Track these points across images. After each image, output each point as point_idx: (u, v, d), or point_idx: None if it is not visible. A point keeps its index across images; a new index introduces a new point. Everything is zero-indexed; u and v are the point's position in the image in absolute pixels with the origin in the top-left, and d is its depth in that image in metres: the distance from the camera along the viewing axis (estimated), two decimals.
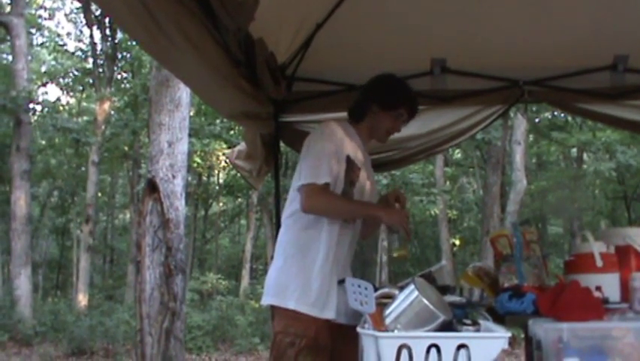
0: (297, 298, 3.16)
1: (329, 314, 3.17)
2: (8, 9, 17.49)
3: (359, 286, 2.65)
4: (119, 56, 20.69)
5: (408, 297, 2.57)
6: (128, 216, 25.42)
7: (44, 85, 24.37)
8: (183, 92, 8.67)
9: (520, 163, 16.59)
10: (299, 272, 3.20)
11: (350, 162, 3.29)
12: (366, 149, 3.51)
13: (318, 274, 3.19)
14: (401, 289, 2.71)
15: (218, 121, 18.07)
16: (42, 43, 25.06)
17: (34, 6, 22.79)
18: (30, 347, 13.47)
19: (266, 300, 3.30)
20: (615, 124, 5.08)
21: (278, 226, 3.44)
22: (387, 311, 2.58)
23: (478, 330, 2.55)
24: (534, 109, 16.69)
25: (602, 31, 4.10)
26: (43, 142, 22.31)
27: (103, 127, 18.92)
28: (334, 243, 3.25)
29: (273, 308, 3.26)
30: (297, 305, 3.15)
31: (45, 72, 24.95)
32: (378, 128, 3.45)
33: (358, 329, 2.64)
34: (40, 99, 20.67)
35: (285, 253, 3.28)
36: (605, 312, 2.78)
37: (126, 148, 20.22)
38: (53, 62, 25.05)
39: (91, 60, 21.58)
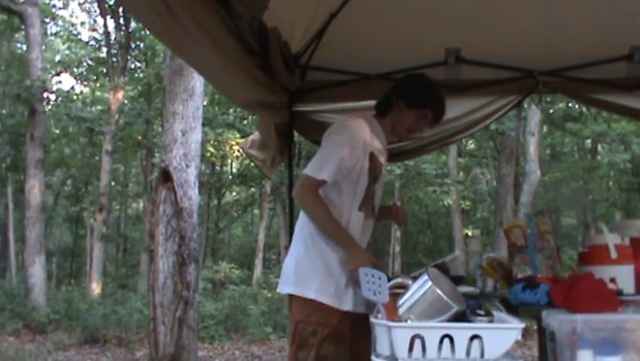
0: (317, 289, 3.18)
1: (347, 306, 3.19)
2: None
3: (373, 275, 2.65)
4: (133, 46, 20.68)
5: (421, 287, 2.57)
6: (141, 205, 25.46)
7: (58, 74, 24.36)
8: (197, 82, 8.68)
9: (533, 154, 16.51)
10: (320, 262, 3.21)
11: (374, 159, 3.31)
12: (385, 145, 3.52)
13: (339, 265, 3.20)
14: (414, 279, 2.71)
15: (231, 110, 18.06)
16: (56, 33, 25.12)
17: None
18: (44, 334, 13.53)
19: (285, 289, 3.31)
20: (631, 115, 5.05)
21: (291, 215, 3.45)
22: (401, 301, 2.59)
23: (491, 321, 2.55)
24: (548, 100, 16.59)
25: (618, 22, 4.07)
26: (57, 131, 22.36)
27: (116, 116, 18.94)
28: (357, 235, 3.28)
29: (292, 297, 3.28)
30: (317, 295, 3.17)
31: (59, 61, 24.96)
32: (399, 125, 3.44)
33: (372, 319, 2.64)
34: (55, 88, 20.68)
35: (305, 242, 3.29)
36: (620, 304, 2.77)
37: (140, 137, 20.21)
38: (67, 52, 25.10)
39: (105, 49, 21.60)
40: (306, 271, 3.23)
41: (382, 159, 3.39)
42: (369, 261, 3.10)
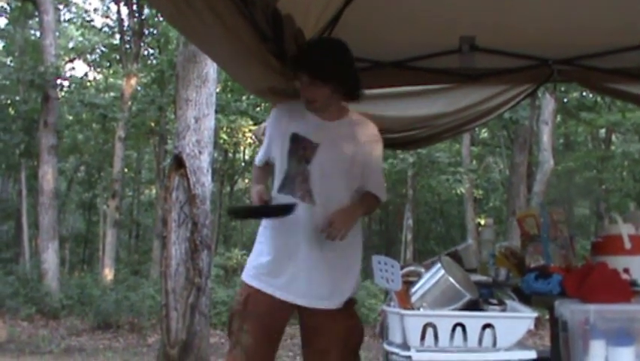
0: (244, 270, 3.38)
1: (258, 284, 3.25)
2: None
3: (385, 263, 2.64)
4: (146, 32, 20.65)
5: (434, 275, 2.56)
6: (154, 191, 25.50)
7: (72, 61, 24.43)
8: (210, 68, 8.67)
9: (547, 143, 16.44)
10: (256, 245, 3.41)
11: (298, 139, 3.25)
12: (332, 124, 3.36)
13: (262, 247, 3.34)
14: (427, 267, 2.70)
15: (244, 97, 18.05)
16: (69, 19, 25.13)
17: None
18: (57, 320, 13.61)
19: None
20: None
21: None
22: (414, 289, 2.58)
23: (504, 310, 2.54)
24: (562, 89, 16.49)
25: (635, 10, 4.03)
26: (71, 117, 22.40)
27: (129, 103, 18.95)
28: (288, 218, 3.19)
29: None
30: (242, 275, 3.39)
31: (72, 48, 25.02)
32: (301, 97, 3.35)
33: (384, 307, 2.64)
34: (68, 75, 20.77)
35: None
36: (633, 294, 2.76)
37: (152, 124, 20.25)
38: (81, 38, 25.11)
39: (118, 36, 21.60)
40: None
41: (315, 138, 3.24)
42: (256, 195, 3.30)
